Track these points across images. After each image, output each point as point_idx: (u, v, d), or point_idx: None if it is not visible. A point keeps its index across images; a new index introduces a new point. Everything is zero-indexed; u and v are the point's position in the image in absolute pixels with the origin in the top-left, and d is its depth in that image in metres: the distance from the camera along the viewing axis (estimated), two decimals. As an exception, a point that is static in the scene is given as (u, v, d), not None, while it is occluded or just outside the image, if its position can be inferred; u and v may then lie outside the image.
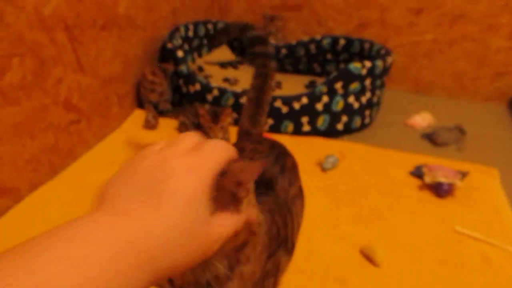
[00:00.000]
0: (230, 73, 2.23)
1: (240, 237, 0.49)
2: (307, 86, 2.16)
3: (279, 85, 2.15)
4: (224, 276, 0.50)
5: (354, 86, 1.72)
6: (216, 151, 0.40)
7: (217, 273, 0.50)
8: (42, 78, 1.30)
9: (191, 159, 0.39)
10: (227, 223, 0.41)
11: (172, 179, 0.37)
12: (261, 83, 0.93)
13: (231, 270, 0.50)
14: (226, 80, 2.14)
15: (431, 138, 1.83)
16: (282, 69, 2.30)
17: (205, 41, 2.30)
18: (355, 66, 1.69)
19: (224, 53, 2.33)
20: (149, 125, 1.72)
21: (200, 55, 2.31)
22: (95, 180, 1.41)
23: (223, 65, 2.29)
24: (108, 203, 0.36)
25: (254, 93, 0.94)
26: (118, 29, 1.64)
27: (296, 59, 2.23)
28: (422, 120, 1.96)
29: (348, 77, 1.70)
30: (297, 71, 2.30)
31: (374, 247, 1.17)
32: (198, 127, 1.64)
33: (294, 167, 0.83)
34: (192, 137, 0.42)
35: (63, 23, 1.35)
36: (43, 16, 1.27)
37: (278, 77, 2.23)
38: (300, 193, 0.81)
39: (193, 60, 2.25)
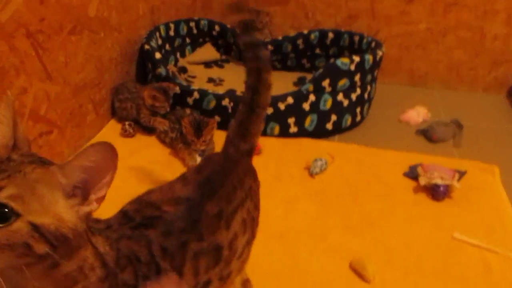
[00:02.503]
0: (215, 72, 2.13)
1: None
2: (296, 83, 2.06)
3: (266, 83, 2.06)
4: None
5: (343, 82, 1.62)
6: None
7: None
8: (2, 89, 1.20)
9: None
10: None
11: None
12: (254, 80, 0.79)
13: None
14: (211, 80, 2.04)
15: (426, 134, 1.73)
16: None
17: (187, 40, 2.21)
18: (342, 61, 1.59)
19: (208, 52, 2.23)
20: (127, 134, 1.63)
21: (183, 55, 2.21)
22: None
23: (207, 64, 2.20)
24: None
25: (247, 94, 0.81)
26: (89, 32, 1.55)
27: (284, 55, 2.13)
28: (417, 115, 1.86)
29: (336, 74, 1.60)
30: (285, 68, 2.20)
31: (365, 261, 1.07)
32: (180, 132, 1.55)
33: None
34: None
35: (24, 29, 1.25)
36: (0, 23, 1.17)
37: (266, 74, 2.13)
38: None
39: (176, 61, 2.16)
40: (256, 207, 0.81)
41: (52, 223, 0.44)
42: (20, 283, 0.45)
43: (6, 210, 0.41)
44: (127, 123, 1.65)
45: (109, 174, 0.47)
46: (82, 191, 0.47)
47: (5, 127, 0.49)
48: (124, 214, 0.63)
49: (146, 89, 1.58)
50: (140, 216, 0.62)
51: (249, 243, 0.75)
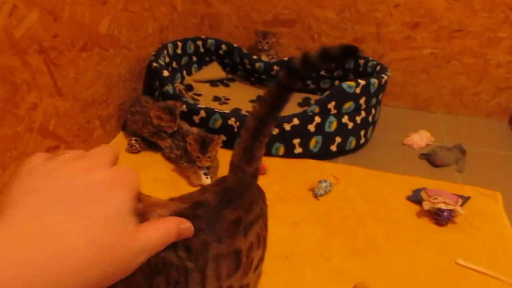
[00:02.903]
0: (220, 91, 2.15)
1: None
2: (301, 104, 2.08)
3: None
4: None
5: (348, 105, 1.64)
6: (133, 173, 0.42)
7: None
8: (14, 104, 1.22)
9: (113, 174, 0.40)
10: (153, 235, 0.40)
11: (93, 194, 0.37)
12: (265, 113, 0.79)
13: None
14: (216, 98, 2.06)
15: (429, 158, 1.75)
16: (275, 86, 2.22)
17: (194, 58, 2.23)
18: (348, 84, 1.61)
19: (214, 70, 2.25)
20: (133, 149, 1.64)
21: (189, 73, 2.24)
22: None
23: (213, 83, 2.22)
24: (22, 217, 0.34)
25: (253, 121, 0.81)
26: (100, 49, 1.57)
27: (289, 76, 2.14)
28: (420, 139, 1.88)
29: (342, 96, 1.62)
30: (290, 88, 2.21)
31: (369, 286, 1.08)
32: (185, 151, 1.56)
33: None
34: (107, 152, 0.43)
35: (37, 45, 1.27)
36: (14, 39, 1.19)
37: (271, 94, 2.15)
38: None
39: (182, 78, 2.18)
40: (266, 227, 0.82)
41: None
42: None
43: None
44: (133, 138, 1.66)
45: None
46: None
47: None
48: None
49: (153, 108, 1.58)
50: None
51: (262, 260, 0.76)
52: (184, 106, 1.64)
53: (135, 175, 0.42)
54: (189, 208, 0.63)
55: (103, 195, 0.37)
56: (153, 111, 1.57)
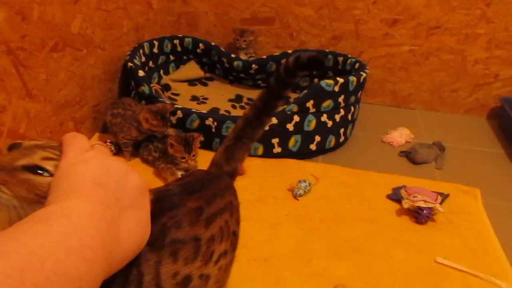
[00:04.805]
0: (199, 90, 2.12)
1: None
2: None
3: (250, 101, 2.05)
4: None
5: (327, 103, 1.63)
6: None
7: None
8: (-20, 107, 1.18)
9: (142, 180, 0.49)
10: None
11: (133, 176, 0.47)
12: (253, 116, 0.83)
13: None
14: (194, 98, 2.03)
15: (409, 156, 1.74)
16: (254, 85, 2.20)
17: (171, 58, 2.19)
18: (327, 83, 1.59)
19: (192, 69, 2.22)
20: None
21: (167, 73, 2.20)
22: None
23: (191, 82, 2.18)
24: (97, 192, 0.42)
25: (242, 123, 0.84)
26: (72, 50, 1.52)
27: (268, 74, 2.12)
28: (400, 136, 1.87)
29: (320, 95, 1.60)
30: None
31: (349, 287, 1.06)
32: (162, 152, 1.52)
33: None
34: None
35: (4, 46, 1.23)
36: (-21, 40, 1.15)
37: (250, 93, 2.13)
38: None
39: (160, 78, 2.14)
40: (238, 223, 0.80)
41: None
42: None
43: None
44: (108, 141, 1.62)
45: None
46: None
47: None
48: None
49: (141, 112, 1.49)
50: None
51: (226, 255, 0.73)
52: (169, 106, 1.57)
53: None
54: (152, 200, 0.62)
55: (142, 200, 0.48)
56: (142, 114, 1.48)
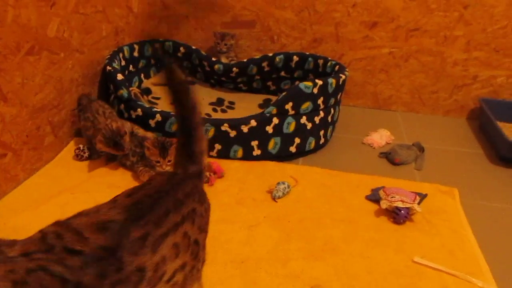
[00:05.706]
0: (180, 94, 2.11)
1: None
2: (262, 105, 2.06)
3: (231, 105, 2.05)
4: None
5: (306, 105, 1.63)
6: None
7: None
8: (-48, 111, 1.16)
9: None
10: None
11: None
12: (178, 105, 0.84)
13: None
14: (175, 102, 2.02)
15: (389, 157, 1.75)
16: (236, 89, 2.20)
17: (152, 61, 2.19)
18: (305, 85, 1.60)
19: (173, 73, 2.21)
20: (79, 158, 1.58)
21: (148, 76, 2.19)
22: (20, 223, 1.27)
23: (172, 86, 2.17)
24: None
25: (177, 117, 0.85)
26: (48, 53, 1.51)
27: (249, 77, 2.12)
28: (380, 138, 1.88)
29: (299, 97, 1.61)
30: (251, 90, 2.19)
31: (325, 288, 1.06)
32: (141, 156, 1.51)
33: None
34: None
35: (-23, 50, 1.22)
36: (-50, 43, 1.13)
37: (232, 97, 2.13)
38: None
39: (140, 82, 2.13)
40: (202, 229, 0.79)
41: None
42: None
43: None
44: (81, 146, 1.61)
45: None
46: None
47: None
48: (43, 238, 0.60)
49: (98, 134, 1.47)
50: (60, 244, 0.59)
51: (185, 268, 0.73)
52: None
53: None
54: (93, 230, 0.61)
55: None
56: (98, 137, 1.46)
